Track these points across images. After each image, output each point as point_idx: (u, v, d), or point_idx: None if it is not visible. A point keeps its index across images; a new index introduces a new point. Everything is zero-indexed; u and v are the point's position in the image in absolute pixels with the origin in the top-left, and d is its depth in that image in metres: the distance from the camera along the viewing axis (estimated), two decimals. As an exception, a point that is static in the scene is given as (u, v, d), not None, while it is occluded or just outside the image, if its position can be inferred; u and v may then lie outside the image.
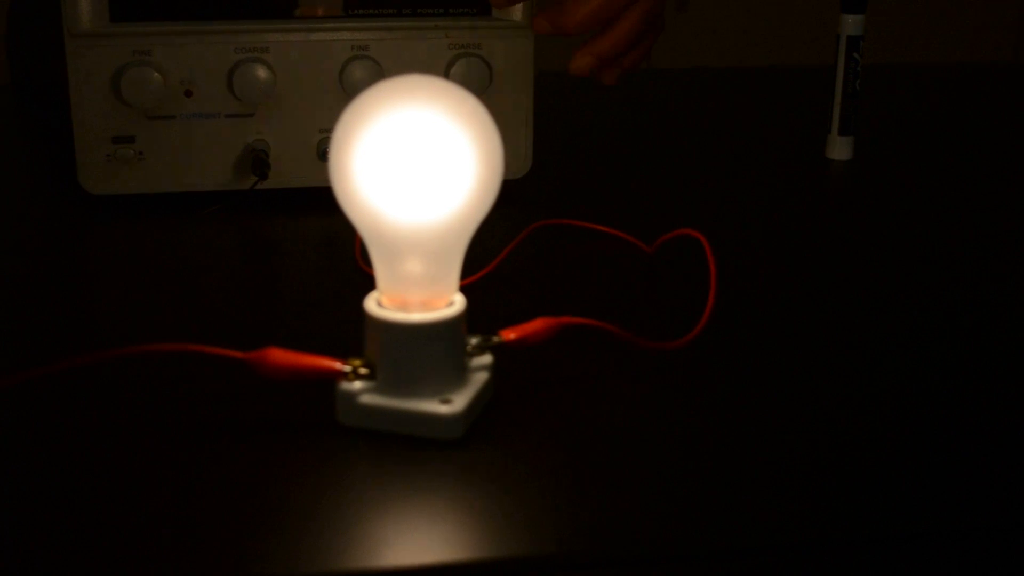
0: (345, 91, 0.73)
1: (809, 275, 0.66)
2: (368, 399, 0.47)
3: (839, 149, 0.89)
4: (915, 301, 0.62)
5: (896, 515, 0.42)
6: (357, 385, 0.47)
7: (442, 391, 0.47)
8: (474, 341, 0.49)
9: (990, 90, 1.21)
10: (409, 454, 0.45)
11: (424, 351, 0.47)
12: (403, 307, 0.47)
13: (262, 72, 0.72)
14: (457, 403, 0.46)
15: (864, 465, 0.45)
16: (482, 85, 0.74)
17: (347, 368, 0.47)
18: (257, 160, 0.73)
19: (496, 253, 0.63)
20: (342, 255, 0.65)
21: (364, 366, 0.47)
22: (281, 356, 0.47)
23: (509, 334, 0.49)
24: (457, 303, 0.48)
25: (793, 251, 0.70)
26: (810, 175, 0.87)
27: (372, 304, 0.47)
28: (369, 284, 0.49)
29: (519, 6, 0.75)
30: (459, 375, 0.48)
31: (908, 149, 0.94)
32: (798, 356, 0.55)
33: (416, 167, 0.45)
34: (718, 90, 1.19)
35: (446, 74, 0.74)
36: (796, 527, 0.41)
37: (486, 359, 0.49)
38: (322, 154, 0.74)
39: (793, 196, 0.82)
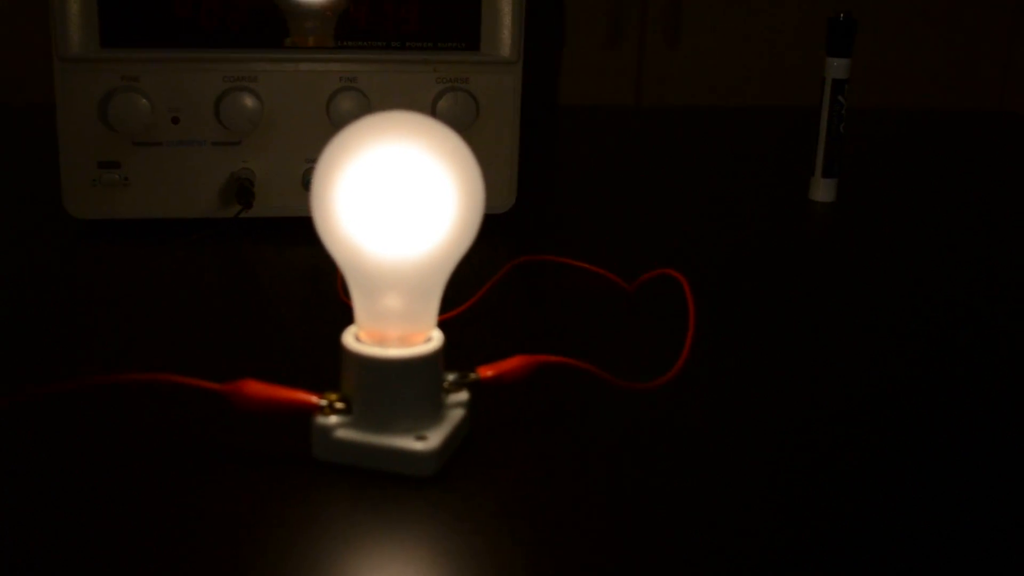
0: (332, 122, 0.73)
1: (789, 317, 0.66)
2: (343, 434, 0.47)
3: (822, 191, 0.90)
4: (896, 345, 0.62)
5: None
6: (333, 419, 0.47)
7: (418, 427, 0.47)
8: (451, 378, 0.49)
9: (974, 135, 1.22)
10: (384, 490, 0.45)
11: (400, 387, 0.47)
12: (381, 342, 0.47)
13: (250, 101, 0.72)
14: (432, 440, 0.46)
15: (841, 515, 0.45)
16: (468, 119, 0.75)
17: (323, 402, 0.47)
18: (242, 189, 0.73)
19: (476, 289, 0.64)
20: (325, 286, 0.65)
21: (340, 400, 0.47)
22: (257, 388, 0.47)
23: (486, 371, 0.50)
24: (435, 339, 0.48)
25: (774, 293, 0.70)
26: (793, 217, 0.87)
27: (350, 338, 0.47)
28: (349, 317, 0.49)
29: (507, 42, 0.75)
30: (435, 411, 0.48)
31: (891, 192, 0.95)
32: (776, 399, 0.55)
33: (397, 203, 0.45)
34: (703, 129, 1.19)
35: (433, 107, 0.75)
36: (781, 564, 0.42)
37: (462, 396, 0.49)
38: (307, 184, 0.74)
39: (775, 237, 0.82)
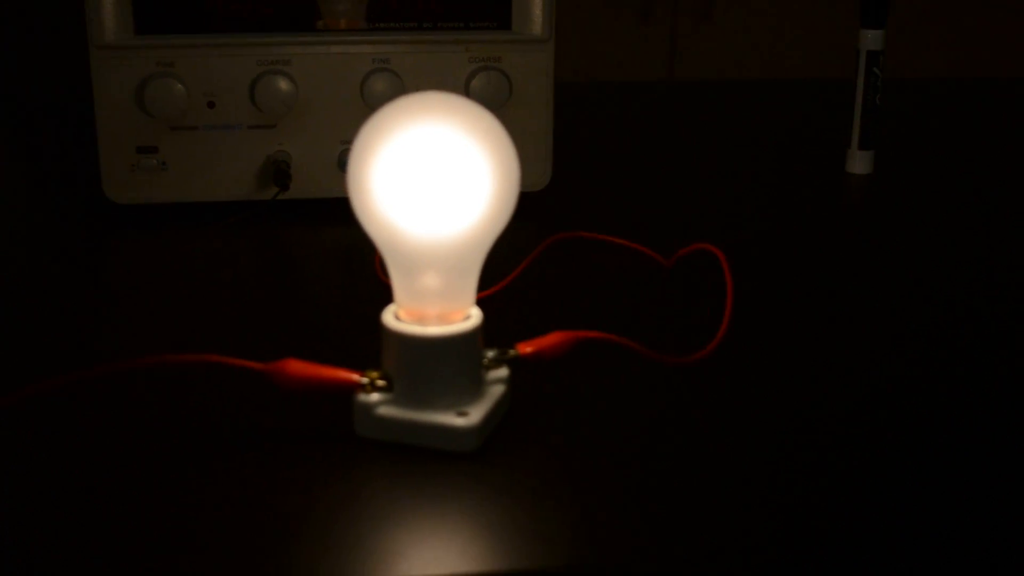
0: (366, 103, 0.74)
1: (827, 289, 0.66)
2: (385, 411, 0.47)
3: (859, 163, 0.89)
4: (935, 315, 0.62)
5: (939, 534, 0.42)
6: (374, 397, 0.47)
7: (458, 404, 0.47)
8: (490, 354, 0.49)
9: (1011, 105, 1.21)
10: (425, 466, 0.46)
11: (441, 364, 0.47)
12: (420, 320, 0.48)
13: (284, 84, 0.73)
14: (473, 416, 0.47)
15: (887, 479, 0.45)
16: (502, 98, 0.75)
17: (364, 380, 0.47)
18: (278, 171, 0.74)
19: (514, 266, 0.64)
20: (361, 266, 0.66)
21: (381, 378, 0.47)
22: (299, 367, 0.47)
23: (525, 347, 0.50)
24: (474, 317, 0.48)
25: (811, 265, 0.70)
26: (830, 189, 0.87)
27: (390, 317, 0.48)
28: (388, 296, 0.49)
29: (539, 20, 0.75)
30: (475, 388, 0.48)
31: (928, 163, 0.94)
32: (815, 370, 0.55)
33: (434, 182, 0.46)
34: (738, 103, 1.19)
35: (466, 87, 0.75)
36: (812, 543, 0.42)
37: (502, 372, 0.49)
38: (343, 165, 0.75)
39: (812, 210, 0.82)
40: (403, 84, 0.74)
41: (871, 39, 0.87)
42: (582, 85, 0.76)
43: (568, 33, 0.80)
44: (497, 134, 0.47)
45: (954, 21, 1.31)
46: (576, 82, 0.79)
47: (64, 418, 0.49)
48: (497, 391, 0.49)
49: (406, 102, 0.47)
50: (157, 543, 0.41)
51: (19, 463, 0.46)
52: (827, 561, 0.41)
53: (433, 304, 0.48)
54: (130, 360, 0.49)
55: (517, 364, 0.50)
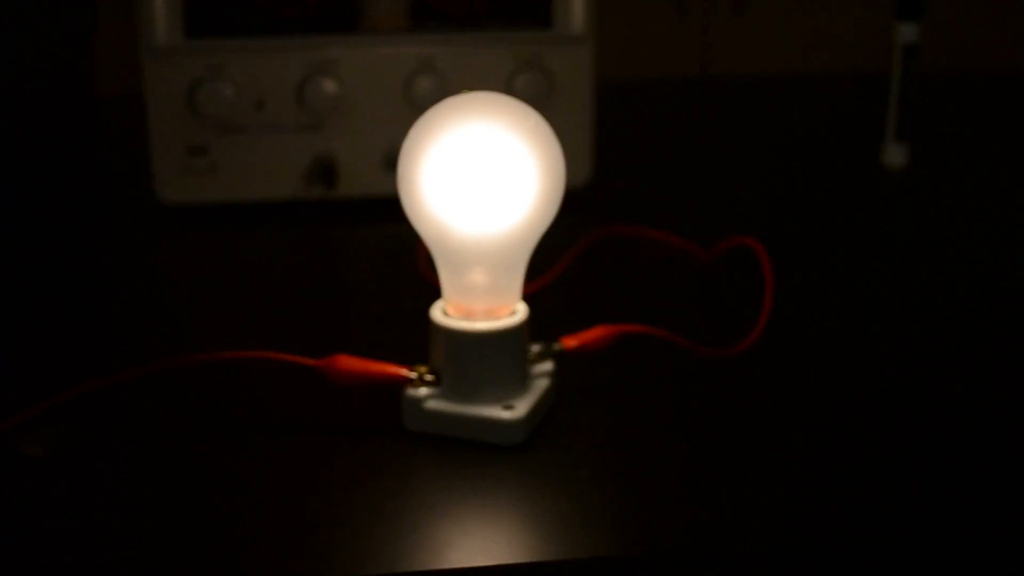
0: (411, 103, 0.75)
1: (865, 282, 0.67)
2: (433, 405, 0.48)
3: (895, 157, 0.90)
4: (974, 309, 0.63)
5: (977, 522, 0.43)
6: (423, 391, 0.48)
7: (505, 397, 0.48)
8: (536, 349, 0.50)
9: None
10: (473, 458, 0.47)
11: (488, 359, 0.48)
12: (468, 316, 0.49)
13: (331, 85, 0.74)
14: (519, 409, 0.48)
15: (930, 471, 0.46)
16: (543, 96, 0.76)
17: (413, 375, 0.48)
18: (325, 171, 0.75)
19: (557, 261, 0.65)
20: (408, 264, 0.67)
21: (430, 373, 0.49)
22: (350, 363, 0.48)
23: (570, 342, 0.51)
24: (520, 312, 0.49)
25: (849, 258, 0.71)
26: (866, 183, 0.87)
27: (438, 313, 0.49)
28: (434, 293, 0.50)
29: (579, 18, 0.76)
30: (521, 382, 0.49)
31: (965, 157, 0.94)
32: (855, 363, 0.56)
33: (481, 181, 0.47)
34: (773, 97, 1.19)
35: (508, 85, 0.76)
36: (861, 529, 0.42)
37: (547, 366, 0.51)
38: (388, 164, 0.76)
39: (849, 204, 0.82)
40: (446, 83, 0.75)
41: (907, 31, 0.87)
42: (618, 82, 0.76)
43: (606, 30, 0.81)
44: (543, 133, 0.48)
45: (990, 13, 1.31)
46: (613, 79, 0.80)
47: (120, 414, 0.51)
48: (543, 385, 0.50)
49: (455, 102, 0.48)
50: (208, 533, 0.42)
51: (79, 456, 0.47)
52: (885, 544, 0.42)
53: (480, 300, 0.49)
54: (185, 356, 0.50)
55: (562, 358, 0.51)
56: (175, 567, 0.40)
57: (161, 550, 0.41)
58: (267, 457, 0.47)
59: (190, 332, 0.60)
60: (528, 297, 0.51)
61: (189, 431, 0.49)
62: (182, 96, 0.73)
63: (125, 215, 0.79)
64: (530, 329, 0.50)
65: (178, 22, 0.73)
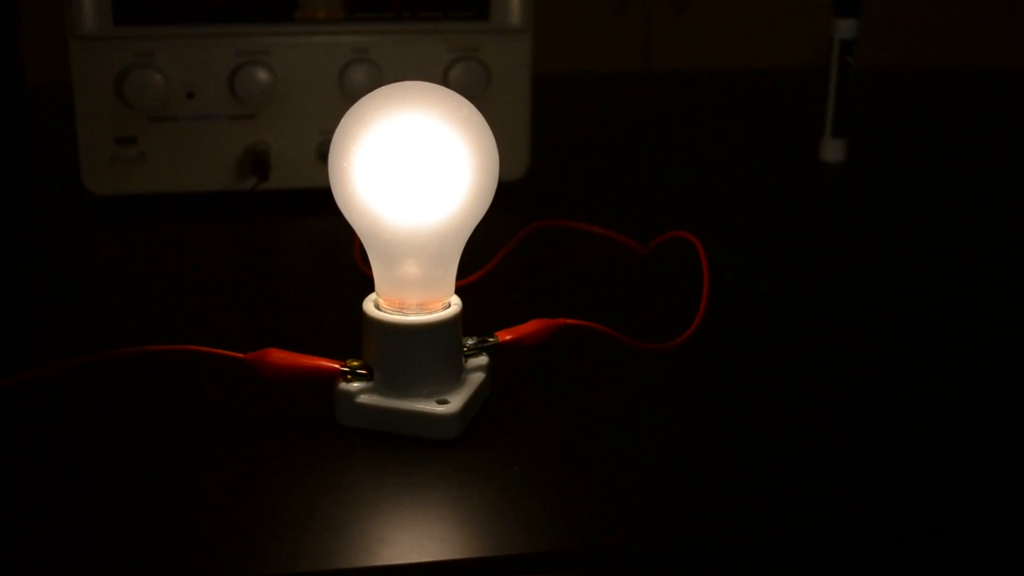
0: (345, 93, 0.74)
1: (802, 276, 0.67)
2: (366, 399, 0.48)
3: (832, 151, 0.90)
4: (907, 303, 0.63)
5: (887, 516, 0.43)
6: (355, 385, 0.48)
7: (439, 391, 0.48)
8: (470, 342, 0.50)
9: (981, 94, 1.22)
10: (406, 454, 0.46)
11: (421, 352, 0.47)
12: (401, 309, 0.48)
13: (263, 74, 0.73)
14: (453, 403, 0.47)
15: (856, 466, 0.46)
16: (480, 88, 0.75)
17: (345, 369, 0.48)
18: (258, 161, 0.74)
19: (493, 255, 0.64)
20: (341, 256, 0.66)
21: (362, 367, 0.48)
22: (280, 356, 0.48)
23: (505, 335, 0.50)
24: (454, 305, 0.49)
25: (786, 252, 0.71)
26: (803, 177, 0.88)
27: (370, 306, 0.48)
28: (368, 285, 0.49)
29: (516, 10, 0.75)
30: (455, 376, 0.49)
31: (901, 152, 0.95)
32: (790, 357, 0.56)
33: (413, 172, 0.46)
34: (713, 92, 1.19)
35: (445, 77, 0.75)
36: (788, 527, 0.42)
37: (482, 360, 0.50)
38: (322, 155, 0.75)
39: (786, 198, 0.82)
40: (382, 74, 0.74)
41: (844, 28, 0.88)
42: (558, 75, 0.76)
43: (545, 23, 0.81)
44: (477, 124, 0.47)
45: (926, 10, 1.32)
46: (553, 72, 0.80)
47: (44, 408, 0.50)
48: (477, 379, 0.49)
49: (386, 92, 0.47)
50: (137, 531, 0.41)
51: None
52: (808, 541, 0.42)
53: (413, 293, 0.48)
54: (111, 350, 0.49)
55: (497, 352, 0.50)
56: (98, 569, 0.39)
57: (82, 552, 0.40)
58: (196, 453, 0.46)
59: (117, 326, 0.59)
60: (462, 291, 0.50)
61: (114, 427, 0.48)
62: (110, 84, 0.72)
63: (53, 207, 0.77)
64: (464, 322, 0.49)
65: (106, 8, 0.71)
